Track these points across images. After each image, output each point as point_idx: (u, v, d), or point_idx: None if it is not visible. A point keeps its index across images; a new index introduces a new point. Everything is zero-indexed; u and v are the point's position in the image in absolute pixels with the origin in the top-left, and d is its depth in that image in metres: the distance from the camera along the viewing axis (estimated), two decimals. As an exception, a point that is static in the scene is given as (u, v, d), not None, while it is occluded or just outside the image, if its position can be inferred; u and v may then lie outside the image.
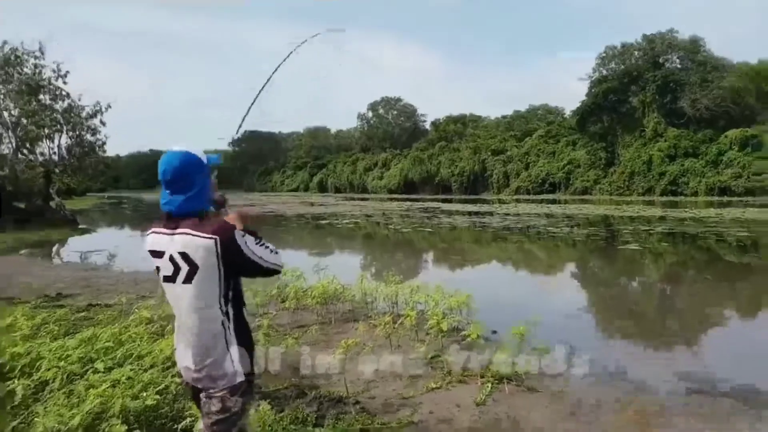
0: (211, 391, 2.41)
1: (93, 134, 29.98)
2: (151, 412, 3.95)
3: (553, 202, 49.98)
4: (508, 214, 33.30)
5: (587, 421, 4.43)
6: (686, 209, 35.38)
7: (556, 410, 4.64)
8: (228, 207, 2.65)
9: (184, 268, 2.30)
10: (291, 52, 3.55)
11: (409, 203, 50.67)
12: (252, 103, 3.12)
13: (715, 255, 16.71)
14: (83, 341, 5.10)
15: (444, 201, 53.53)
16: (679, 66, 65.96)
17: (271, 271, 2.45)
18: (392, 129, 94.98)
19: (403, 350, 6.35)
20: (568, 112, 77.65)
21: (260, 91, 3.21)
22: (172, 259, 2.31)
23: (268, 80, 3.22)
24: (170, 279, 2.35)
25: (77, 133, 29.26)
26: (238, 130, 3.13)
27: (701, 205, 39.64)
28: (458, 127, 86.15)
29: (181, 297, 2.36)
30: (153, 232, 2.39)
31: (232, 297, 2.42)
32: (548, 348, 5.73)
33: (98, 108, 29.94)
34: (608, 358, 6.34)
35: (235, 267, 2.36)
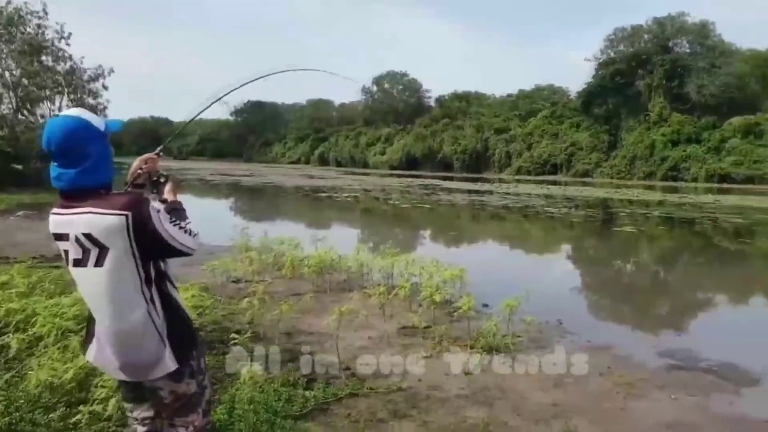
0: (149, 381, 2.22)
1: (94, 98, 29.76)
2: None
3: (554, 183, 49.90)
4: (508, 194, 33.28)
5: (570, 390, 4.53)
6: (685, 195, 35.35)
7: (542, 380, 4.74)
8: (169, 185, 2.40)
9: (93, 250, 2.04)
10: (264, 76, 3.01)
11: (410, 179, 50.59)
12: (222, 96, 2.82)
13: (709, 240, 16.78)
14: (78, 300, 5.16)
15: (445, 179, 53.48)
16: (688, 51, 64.97)
17: (180, 253, 2.16)
18: (397, 104, 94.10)
19: (396, 320, 6.45)
20: (573, 93, 76.88)
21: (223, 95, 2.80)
22: (78, 241, 2.04)
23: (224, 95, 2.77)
24: (81, 263, 2.08)
25: (78, 95, 29.00)
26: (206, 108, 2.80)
27: (701, 191, 39.63)
28: (462, 105, 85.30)
29: (95, 283, 2.10)
30: (53, 213, 2.11)
31: (155, 278, 2.17)
32: (537, 321, 5.85)
33: (100, 71, 29.75)
34: (596, 332, 6.47)
35: (150, 248, 2.09)
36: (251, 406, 3.74)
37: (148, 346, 2.15)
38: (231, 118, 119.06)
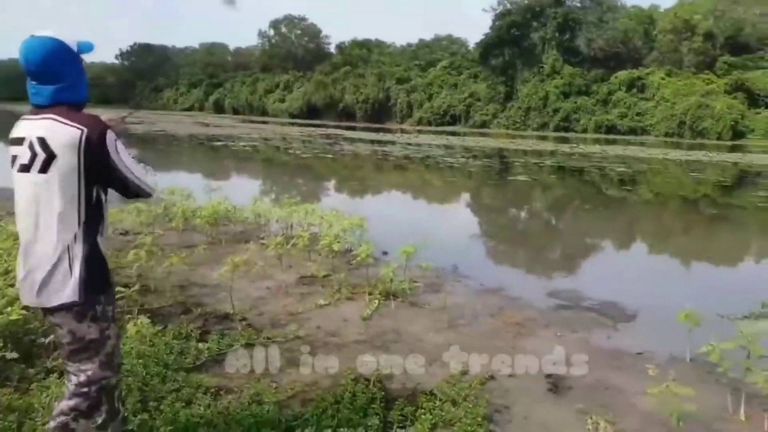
0: (51, 308, 2.17)
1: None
2: (18, 327, 3.72)
3: (453, 134, 51.02)
4: (409, 144, 33.61)
5: (463, 331, 4.72)
6: (576, 145, 37.37)
7: (437, 321, 4.89)
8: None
9: (41, 155, 2.07)
10: None
11: (311, 129, 49.74)
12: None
13: (596, 188, 17.96)
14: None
15: (347, 128, 53.05)
16: (579, 4, 67.50)
17: (139, 191, 2.23)
18: (295, 50, 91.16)
19: (294, 270, 6.38)
20: (471, 44, 77.95)
21: None
22: (31, 145, 2.08)
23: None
24: (26, 168, 2.10)
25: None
26: None
27: (589, 142, 42.07)
28: (363, 52, 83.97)
29: (34, 190, 2.10)
30: (23, 118, 2.20)
31: (93, 211, 2.17)
32: (433, 267, 5.99)
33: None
34: (489, 276, 6.72)
35: (98, 172, 2.12)
36: (140, 361, 3.59)
37: (58, 270, 2.13)
38: (117, 62, 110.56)
